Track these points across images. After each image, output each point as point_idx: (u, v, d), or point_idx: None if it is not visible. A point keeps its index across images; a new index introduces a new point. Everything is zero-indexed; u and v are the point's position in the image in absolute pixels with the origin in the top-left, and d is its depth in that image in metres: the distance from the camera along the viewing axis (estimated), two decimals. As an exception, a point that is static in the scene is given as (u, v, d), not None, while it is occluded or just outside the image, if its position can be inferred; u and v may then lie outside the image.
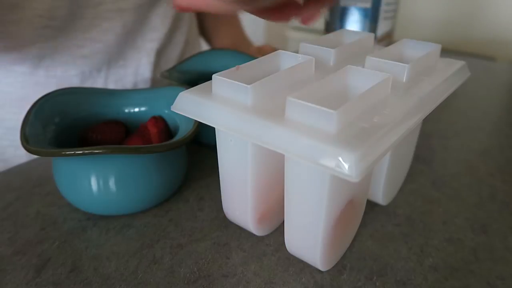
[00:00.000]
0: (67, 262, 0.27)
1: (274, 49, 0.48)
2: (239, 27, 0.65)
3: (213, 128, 0.24)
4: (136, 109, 0.37)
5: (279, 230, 0.30)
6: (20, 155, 0.46)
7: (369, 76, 0.24)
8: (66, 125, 0.33)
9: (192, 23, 0.58)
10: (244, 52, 0.49)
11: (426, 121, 0.45)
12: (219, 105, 0.23)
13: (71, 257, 0.28)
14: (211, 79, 0.25)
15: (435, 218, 0.32)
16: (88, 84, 0.45)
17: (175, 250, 0.28)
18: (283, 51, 0.28)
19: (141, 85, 0.50)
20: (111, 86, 0.47)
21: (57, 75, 0.43)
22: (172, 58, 0.53)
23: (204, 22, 0.63)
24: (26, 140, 0.27)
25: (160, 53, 0.51)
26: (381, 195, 0.31)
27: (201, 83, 0.26)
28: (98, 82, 0.46)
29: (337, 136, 0.20)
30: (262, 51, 0.52)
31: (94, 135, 0.33)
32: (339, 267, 0.27)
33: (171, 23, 0.51)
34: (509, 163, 0.39)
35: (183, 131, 0.30)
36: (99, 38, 0.44)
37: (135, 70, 0.48)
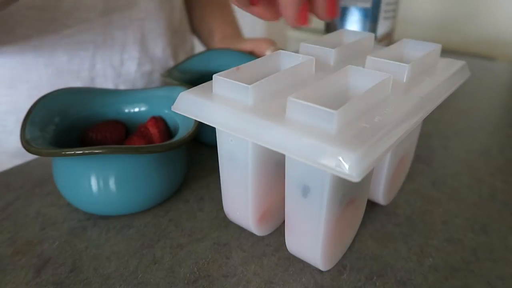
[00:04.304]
0: (67, 262, 0.27)
1: (271, 43, 0.48)
2: (231, 19, 0.64)
3: (213, 128, 0.24)
4: (136, 109, 0.37)
5: (279, 230, 0.30)
6: (12, 141, 0.46)
7: (370, 76, 0.24)
8: (66, 125, 0.33)
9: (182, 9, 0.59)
10: (237, 47, 0.49)
11: (426, 121, 0.45)
12: (219, 105, 0.23)
13: (71, 257, 0.28)
14: (211, 79, 0.25)
15: (435, 218, 0.32)
16: (75, 63, 0.46)
17: (175, 250, 0.28)
18: (283, 51, 0.28)
19: (128, 64, 0.50)
20: (98, 65, 0.48)
21: (45, 55, 0.44)
22: (160, 39, 0.53)
23: (191, 13, 0.63)
24: (26, 140, 0.27)
25: (146, 32, 0.51)
26: (381, 195, 0.31)
27: (201, 83, 0.26)
28: (85, 62, 0.47)
29: (337, 136, 0.20)
30: (259, 44, 0.51)
31: (94, 135, 0.33)
32: (339, 267, 0.27)
33: (157, 3, 0.51)
34: (509, 163, 0.39)
35: (183, 131, 0.30)
36: (83, 17, 0.44)
37: (122, 49, 0.49)
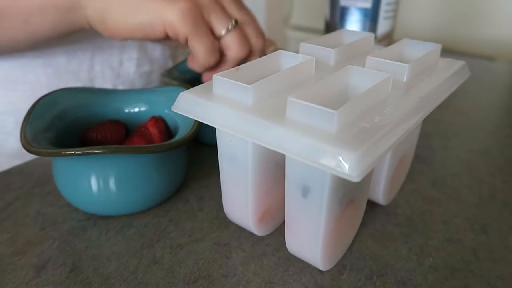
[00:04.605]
0: (67, 262, 0.27)
1: (271, 43, 0.48)
2: None
3: (213, 128, 0.24)
4: (136, 109, 0.37)
5: (279, 230, 0.30)
6: (12, 142, 0.46)
7: (370, 76, 0.24)
8: (66, 125, 0.33)
9: None
10: None
11: (426, 121, 0.45)
12: (219, 105, 0.23)
13: (71, 257, 0.28)
14: (211, 79, 0.25)
15: (435, 218, 0.32)
16: (74, 63, 0.46)
17: (175, 250, 0.28)
18: (283, 51, 0.28)
19: (127, 65, 0.50)
20: (97, 66, 0.48)
21: (44, 56, 0.44)
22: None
23: None
24: (27, 140, 0.27)
25: None
26: (381, 195, 0.31)
27: (201, 83, 0.26)
28: (84, 63, 0.47)
29: (337, 136, 0.20)
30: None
31: (94, 135, 0.33)
32: (339, 267, 0.27)
33: None
34: (509, 163, 0.39)
35: (183, 131, 0.30)
36: None
37: (120, 49, 0.49)
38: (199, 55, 0.33)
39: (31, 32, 0.37)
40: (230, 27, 0.34)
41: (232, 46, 0.34)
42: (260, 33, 0.36)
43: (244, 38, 0.35)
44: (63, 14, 0.35)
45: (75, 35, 0.45)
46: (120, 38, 0.34)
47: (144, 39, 0.34)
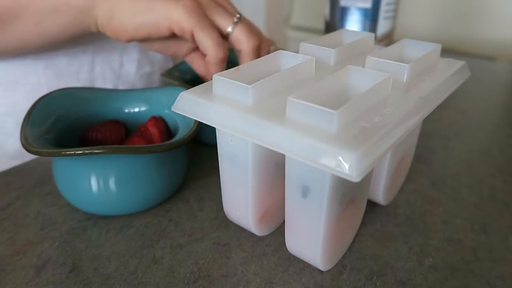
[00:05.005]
0: (67, 262, 0.27)
1: (271, 43, 0.48)
2: None
3: (213, 128, 0.24)
4: (136, 109, 0.37)
5: (279, 230, 0.30)
6: (12, 143, 0.46)
7: (370, 76, 0.24)
8: (66, 125, 0.33)
9: None
10: None
11: (426, 121, 0.45)
12: (219, 105, 0.23)
13: (71, 257, 0.28)
14: (211, 79, 0.25)
15: (435, 218, 0.32)
16: (74, 64, 0.46)
17: (175, 250, 0.28)
18: (283, 51, 0.28)
19: (127, 66, 0.50)
20: (97, 67, 0.48)
21: (44, 57, 0.44)
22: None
23: None
24: (27, 140, 0.27)
25: None
26: (381, 195, 0.31)
27: (201, 83, 0.26)
28: (85, 64, 0.47)
29: (337, 136, 0.20)
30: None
31: (94, 134, 0.33)
32: (339, 267, 0.27)
33: None
34: (509, 163, 0.39)
35: (183, 131, 0.30)
36: None
37: (121, 51, 0.49)
38: (208, 48, 0.34)
39: (41, 34, 0.38)
40: (235, 20, 0.34)
41: (243, 38, 0.34)
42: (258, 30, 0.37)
43: (251, 27, 0.36)
44: (75, 16, 0.36)
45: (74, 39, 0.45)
46: (124, 38, 0.35)
47: (147, 38, 0.35)
